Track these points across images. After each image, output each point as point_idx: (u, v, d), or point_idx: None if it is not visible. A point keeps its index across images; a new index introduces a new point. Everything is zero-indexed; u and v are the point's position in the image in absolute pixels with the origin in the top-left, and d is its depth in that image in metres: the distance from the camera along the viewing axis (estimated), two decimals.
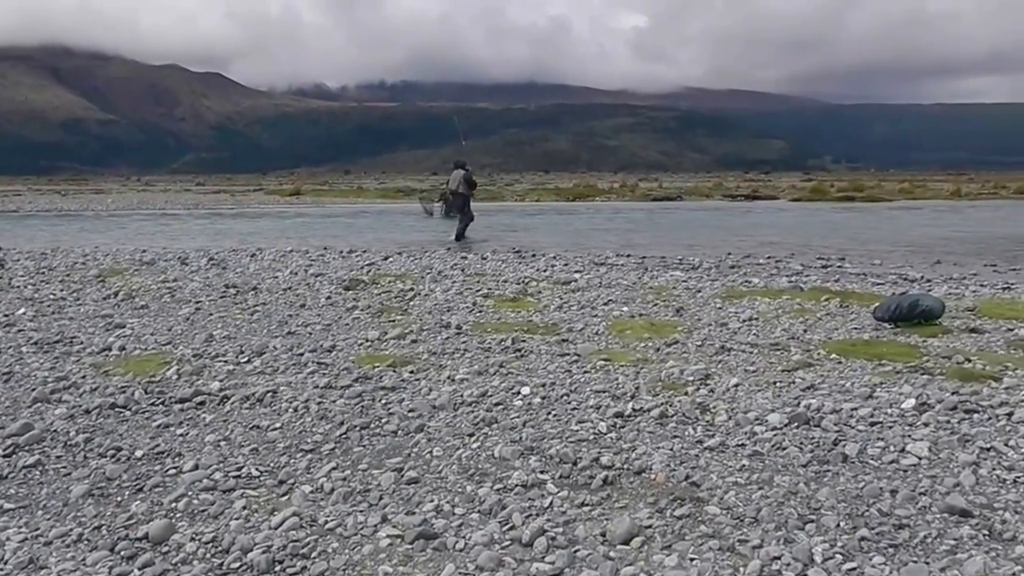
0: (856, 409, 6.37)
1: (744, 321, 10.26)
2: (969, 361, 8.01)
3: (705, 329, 9.84)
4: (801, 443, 5.73)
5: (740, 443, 5.78)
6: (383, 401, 6.88)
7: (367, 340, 9.30)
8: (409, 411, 6.60)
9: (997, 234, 27.14)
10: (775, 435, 5.90)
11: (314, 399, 6.89)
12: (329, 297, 12.28)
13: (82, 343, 9.25)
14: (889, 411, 6.34)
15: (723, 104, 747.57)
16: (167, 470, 5.48)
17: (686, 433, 6.05)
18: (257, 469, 5.44)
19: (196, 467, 5.47)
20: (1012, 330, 9.58)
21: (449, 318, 10.51)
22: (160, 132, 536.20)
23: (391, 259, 17.43)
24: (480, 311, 11.21)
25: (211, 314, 11.00)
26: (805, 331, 9.69)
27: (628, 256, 18.48)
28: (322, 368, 7.99)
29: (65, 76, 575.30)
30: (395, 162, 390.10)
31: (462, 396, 6.96)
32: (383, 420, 6.40)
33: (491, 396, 6.96)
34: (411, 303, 11.84)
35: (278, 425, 6.31)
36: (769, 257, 18.25)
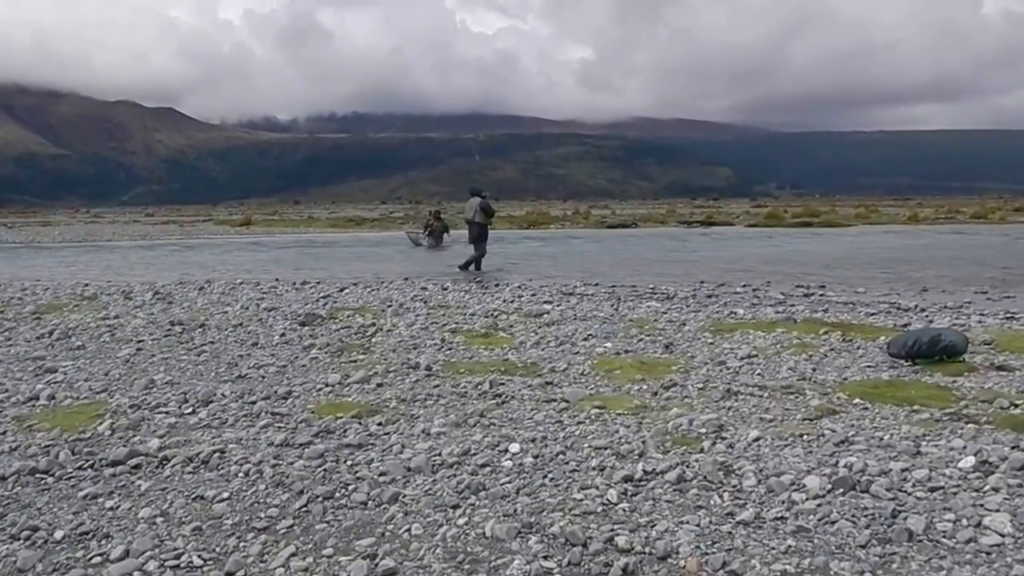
0: (907, 470, 5.44)
1: (743, 359, 9.31)
2: (1015, 406, 7.11)
3: (703, 368, 8.88)
4: (853, 515, 4.80)
5: (779, 515, 4.84)
6: (349, 462, 5.85)
7: (327, 385, 8.25)
8: (380, 475, 5.58)
9: (967, 258, 26.38)
10: (819, 505, 4.97)
11: (268, 461, 5.84)
12: (283, 334, 11.21)
13: (7, 391, 8.19)
14: (947, 472, 5.40)
15: (670, 133, 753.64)
16: (91, 557, 4.48)
17: (712, 503, 5.09)
18: (200, 556, 4.43)
19: (126, 553, 4.46)
20: None
21: (417, 357, 9.47)
22: (111, 166, 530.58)
23: (347, 291, 16.25)
24: (450, 348, 10.19)
25: (153, 355, 9.91)
26: (814, 370, 8.77)
27: (596, 285, 17.47)
28: (277, 421, 6.95)
29: (19, 113, 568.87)
30: (345, 192, 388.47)
31: (441, 455, 5.94)
32: (350, 487, 5.37)
33: (475, 455, 5.94)
34: (373, 340, 10.78)
35: (226, 495, 5.27)
36: (745, 285, 17.30)
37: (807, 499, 5.04)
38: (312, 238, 46.47)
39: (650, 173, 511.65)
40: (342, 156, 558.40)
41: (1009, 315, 12.59)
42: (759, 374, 8.61)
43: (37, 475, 5.73)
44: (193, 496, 5.29)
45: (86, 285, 17.98)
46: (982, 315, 12.69)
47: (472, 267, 22.77)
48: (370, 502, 5.16)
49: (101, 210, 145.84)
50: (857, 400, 7.44)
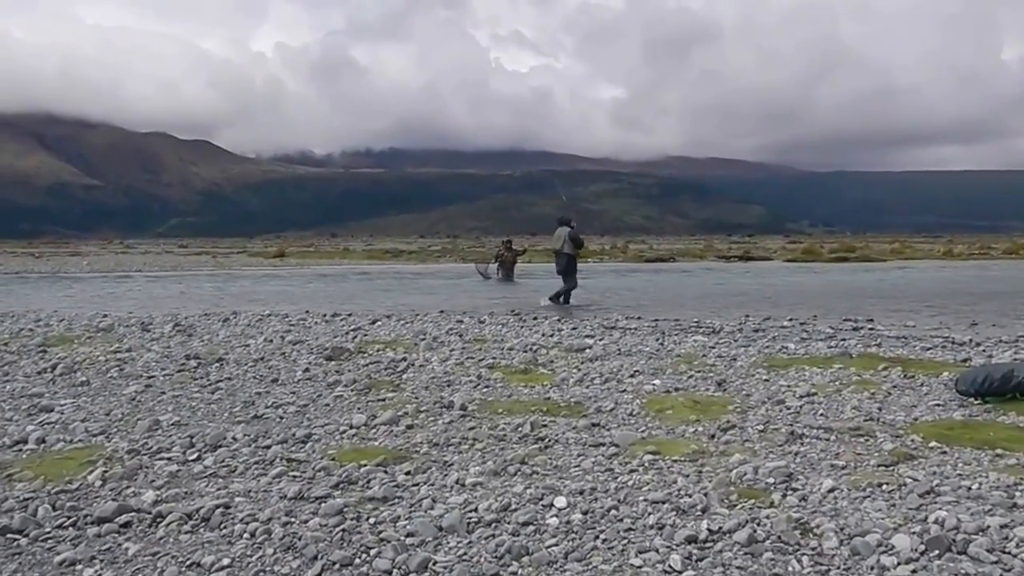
0: (1007, 527, 4.69)
1: (803, 397, 8.58)
2: None
3: (761, 408, 8.13)
4: None
5: None
6: (372, 520, 5.10)
7: (351, 427, 7.51)
8: (407, 536, 4.84)
9: (1010, 292, 25.73)
10: (914, 572, 4.26)
11: (279, 518, 5.11)
12: (307, 369, 10.49)
13: None
14: None
15: (702, 171, 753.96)
16: None
17: (790, 569, 4.37)
18: None
19: None
20: None
21: (451, 396, 8.75)
22: (146, 197, 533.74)
23: (380, 323, 15.59)
24: (487, 386, 9.47)
25: (163, 393, 9.20)
26: (880, 409, 8.03)
27: (639, 319, 16.75)
28: (292, 468, 6.21)
29: (50, 142, 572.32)
30: (383, 226, 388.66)
31: (477, 511, 5.21)
32: (372, 552, 4.63)
33: (516, 511, 5.20)
34: (404, 376, 10.06)
35: (226, 561, 4.54)
36: (792, 319, 16.56)
37: (899, 563, 4.34)
38: (368, 270, 45.91)
39: (685, 210, 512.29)
40: (379, 191, 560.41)
41: None
42: (822, 414, 7.87)
43: (9, 535, 5.02)
44: (188, 563, 4.57)
45: (104, 316, 17.29)
46: None
47: (562, 299, 21.75)
48: (395, 571, 4.43)
49: (135, 241, 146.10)
50: (933, 443, 6.71)
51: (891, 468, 6.03)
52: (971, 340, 12.95)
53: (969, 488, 5.46)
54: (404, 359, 11.10)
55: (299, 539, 4.78)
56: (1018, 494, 5.33)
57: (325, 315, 17.18)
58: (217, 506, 5.26)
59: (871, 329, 14.92)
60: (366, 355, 11.52)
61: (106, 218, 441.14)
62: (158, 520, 5.15)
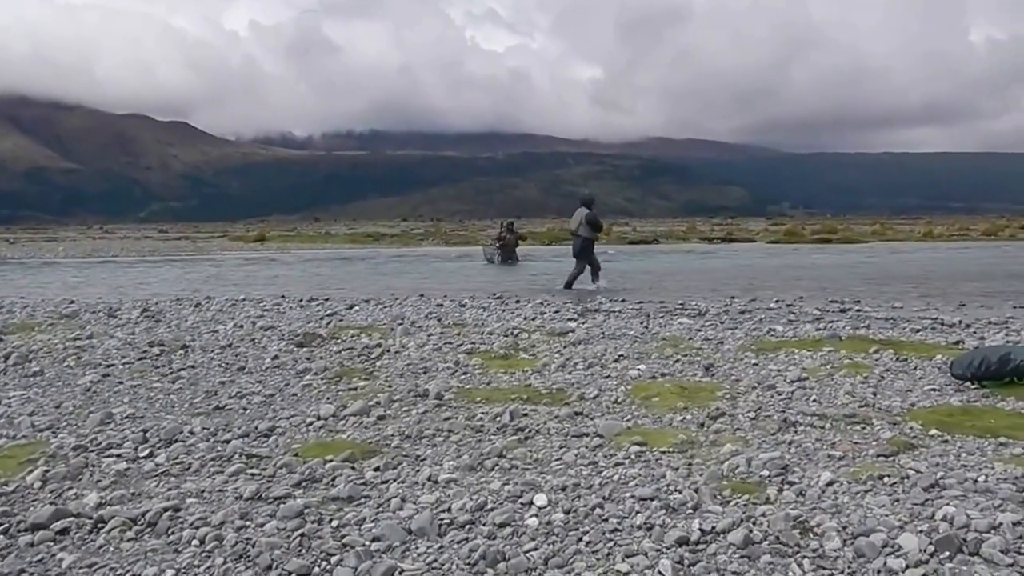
0: (1020, 524, 4.34)
1: (794, 382, 8.22)
2: None
3: (751, 394, 7.77)
4: None
5: None
6: (334, 523, 4.68)
7: (319, 418, 7.07)
8: (373, 540, 4.43)
9: (993, 272, 25.61)
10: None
11: (232, 522, 4.67)
12: (276, 356, 10.03)
13: None
14: None
15: (683, 153, 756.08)
16: None
17: (791, 574, 3.99)
18: None
19: None
20: None
21: (426, 383, 8.33)
22: (125, 181, 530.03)
23: (357, 308, 15.15)
24: (465, 373, 9.05)
25: (120, 383, 8.70)
26: (875, 394, 7.70)
27: (623, 301, 16.36)
28: (251, 465, 5.77)
29: (25, 125, 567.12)
30: (365, 210, 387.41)
31: (450, 511, 4.80)
32: (333, 559, 4.22)
33: (492, 510, 4.79)
34: (378, 363, 9.64)
35: (170, 573, 4.11)
36: (778, 300, 16.21)
37: (907, 566, 3.97)
38: (349, 254, 45.41)
39: (667, 192, 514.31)
40: (361, 174, 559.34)
41: None
42: (815, 400, 7.52)
43: None
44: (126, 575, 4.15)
45: (72, 302, 16.76)
46: None
47: (572, 283, 20.90)
48: None
49: (115, 227, 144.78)
50: (934, 431, 6.37)
51: (891, 459, 5.68)
52: (960, 321, 12.67)
53: (975, 481, 5.12)
54: (379, 345, 10.67)
55: (253, 546, 4.36)
56: None
57: (301, 300, 16.72)
58: (166, 509, 4.82)
59: (858, 311, 14.61)
60: (339, 341, 11.08)
61: (86, 203, 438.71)
62: (99, 526, 4.70)
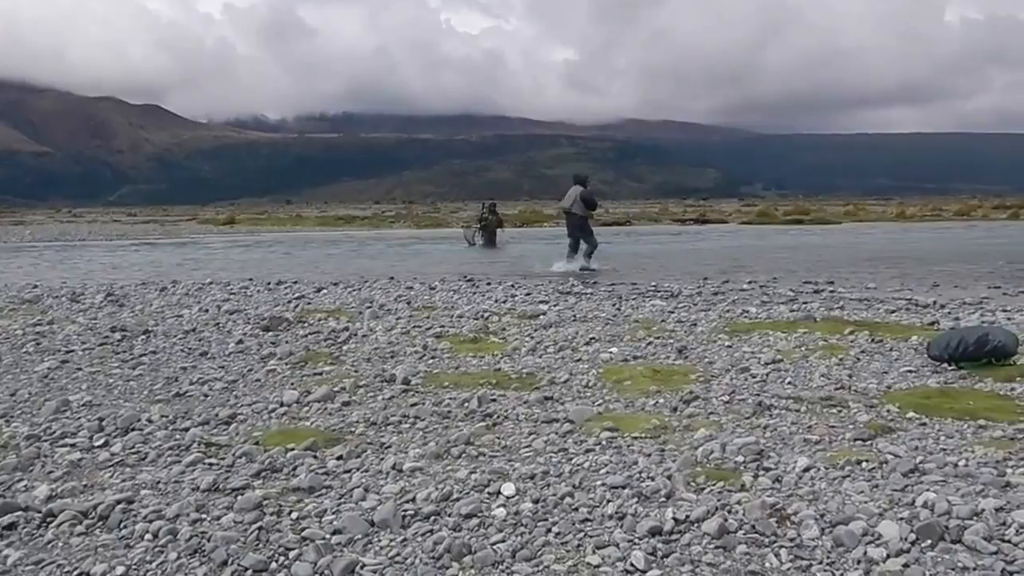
0: (1003, 510, 4.22)
1: (769, 364, 8.08)
2: None
3: (725, 377, 7.63)
4: None
5: None
6: (294, 515, 4.49)
7: (282, 404, 6.87)
8: (333, 533, 4.25)
9: (966, 253, 25.56)
10: (906, 566, 3.74)
11: (188, 515, 4.47)
12: (241, 341, 9.81)
13: None
14: None
15: (657, 135, 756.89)
16: None
17: (767, 565, 3.85)
18: None
19: None
20: None
21: (393, 368, 8.14)
22: (97, 164, 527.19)
23: (325, 291, 14.95)
24: (433, 357, 8.86)
25: (79, 369, 8.44)
26: (851, 376, 7.55)
27: (595, 283, 16.24)
28: (210, 454, 5.57)
29: None
30: (338, 192, 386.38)
31: (414, 501, 4.62)
32: (291, 554, 4.03)
33: (458, 500, 4.61)
34: (345, 347, 9.43)
35: (120, 570, 3.91)
36: (751, 282, 16.13)
37: (888, 556, 3.83)
38: (317, 236, 45.05)
39: (640, 174, 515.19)
40: (334, 157, 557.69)
41: None
42: (790, 383, 7.38)
43: None
44: (75, 574, 3.93)
45: (35, 286, 16.48)
46: (1005, 311, 11.63)
47: (560, 263, 20.64)
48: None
49: (86, 210, 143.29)
50: (911, 414, 6.22)
51: (869, 443, 5.54)
52: (934, 302, 12.59)
53: (956, 465, 4.98)
54: (346, 329, 10.47)
55: (208, 540, 4.16)
56: (1009, 471, 4.86)
57: (269, 283, 16.50)
58: (119, 501, 4.61)
59: (832, 291, 14.58)
60: (306, 325, 10.88)
61: (56, 186, 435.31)
62: (48, 520, 4.49)
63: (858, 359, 8.32)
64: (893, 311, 11.69)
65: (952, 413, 6.21)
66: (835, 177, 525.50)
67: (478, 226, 33.07)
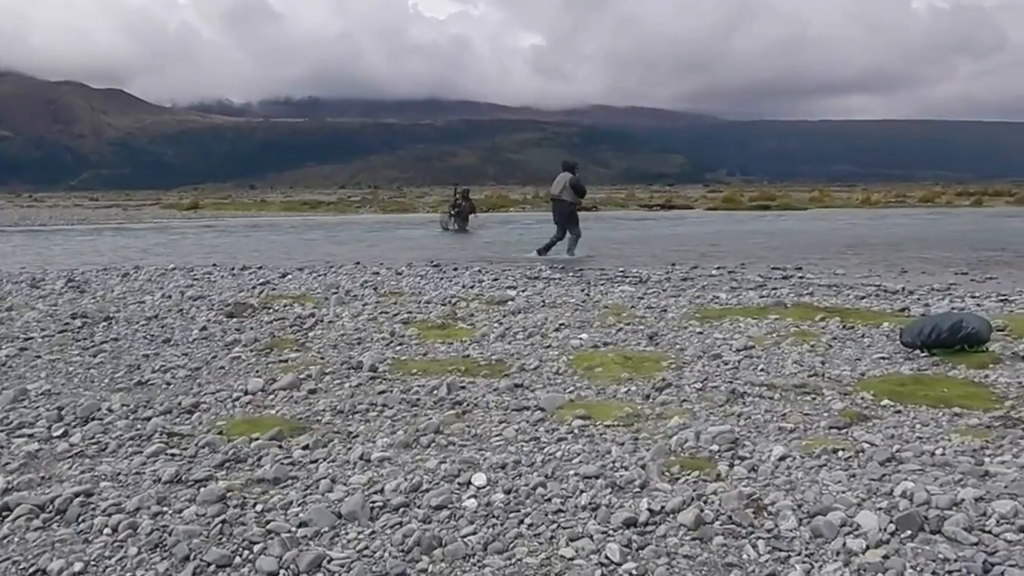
0: (983, 500, 4.13)
1: (741, 351, 7.99)
2: None
3: (697, 364, 7.53)
4: (935, 574, 3.52)
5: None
6: (259, 507, 4.35)
7: (246, 392, 6.72)
8: (299, 526, 4.12)
9: (932, 239, 25.57)
10: (886, 557, 3.65)
11: (148, 507, 4.33)
12: (204, 328, 9.62)
13: None
14: None
15: (623, 120, 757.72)
16: None
17: (745, 557, 3.77)
18: None
19: None
20: None
21: (360, 355, 7.99)
22: (58, 149, 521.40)
23: (290, 276, 14.75)
24: (400, 344, 8.72)
25: (38, 357, 8.24)
26: (823, 363, 7.48)
27: (563, 268, 16.14)
28: (172, 444, 5.41)
29: None
30: (303, 178, 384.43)
31: (383, 492, 4.50)
32: (256, 548, 3.90)
33: (428, 491, 4.49)
34: (311, 334, 9.27)
35: (79, 567, 3.76)
36: (720, 267, 16.09)
37: (867, 547, 3.74)
38: (283, 222, 44.65)
39: (606, 160, 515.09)
40: (299, 141, 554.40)
41: (1003, 297, 11.53)
42: (763, 370, 7.30)
43: None
44: (31, 570, 3.78)
45: None
46: (974, 297, 11.65)
47: (547, 251, 20.33)
48: (282, 572, 3.71)
49: (45, 194, 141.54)
50: (886, 401, 6.16)
51: (844, 431, 5.46)
52: (903, 288, 12.59)
53: (933, 454, 4.92)
54: (312, 315, 10.30)
55: (170, 534, 4.03)
56: (987, 459, 4.81)
57: (233, 268, 16.27)
58: (77, 494, 4.46)
59: (801, 277, 14.53)
60: (271, 311, 10.70)
61: (17, 171, 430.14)
62: (4, 514, 4.33)
63: (830, 346, 8.25)
64: (862, 297, 11.65)
65: (927, 401, 6.15)
66: (800, 164, 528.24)
67: (452, 212, 32.93)
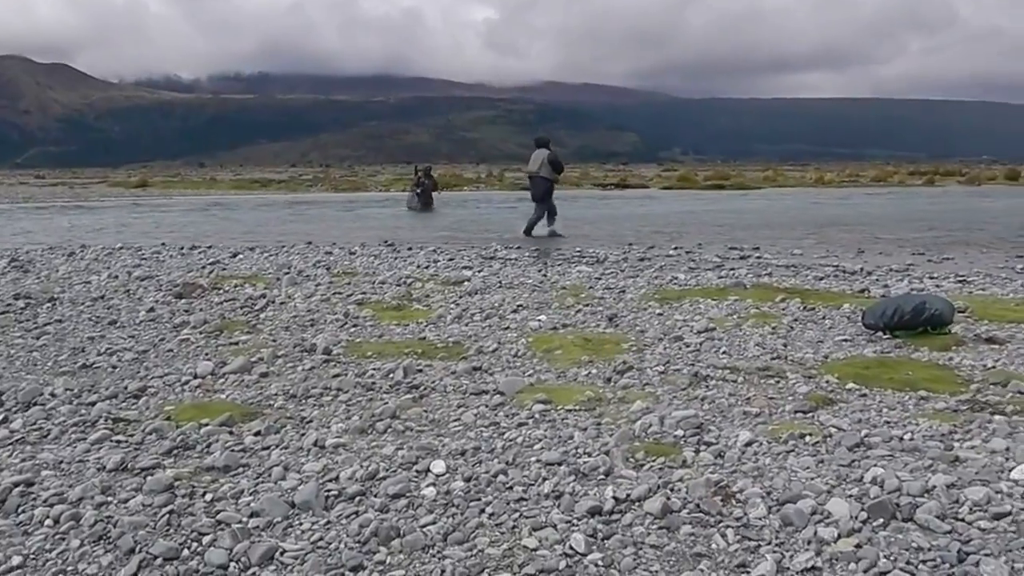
0: (955, 486, 4.04)
1: (702, 333, 7.89)
2: None
3: (658, 346, 7.42)
4: (908, 563, 3.42)
5: (809, 566, 3.43)
6: (208, 496, 4.18)
7: (195, 376, 6.51)
8: (251, 516, 3.95)
9: (888, 218, 25.65)
10: (858, 546, 3.55)
11: (92, 498, 4.14)
12: (152, 309, 9.37)
13: None
14: (1003, 488, 4.04)
15: (577, 98, 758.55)
16: None
17: (714, 547, 3.65)
18: None
19: None
20: None
21: (313, 337, 7.80)
22: (2, 125, 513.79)
23: (241, 256, 14.49)
24: (355, 325, 8.54)
25: None
26: (786, 345, 7.42)
27: (519, 248, 15.97)
28: (117, 431, 5.20)
29: None
30: (253, 155, 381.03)
31: (338, 480, 4.35)
32: (205, 540, 3.73)
33: (384, 479, 4.34)
34: (262, 315, 9.06)
35: (17, 560, 3.58)
36: (677, 247, 15.98)
37: (839, 535, 3.63)
38: (230, 200, 44.11)
39: (559, 138, 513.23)
40: (249, 118, 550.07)
41: (961, 278, 11.54)
42: (725, 352, 7.21)
43: None
44: None
45: None
46: (932, 277, 11.65)
47: (531, 229, 19.91)
48: (232, 565, 3.54)
49: None
50: (851, 384, 6.08)
51: (810, 415, 5.37)
52: (862, 269, 12.58)
53: (901, 439, 4.83)
54: (263, 296, 10.07)
55: (115, 525, 3.84)
56: (956, 445, 4.72)
57: (183, 248, 15.96)
58: (17, 484, 4.26)
59: (758, 258, 14.47)
60: (221, 291, 10.45)
61: None
62: None
63: (792, 327, 8.18)
64: (821, 278, 11.61)
65: (892, 384, 6.08)
66: (753, 142, 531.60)
67: (416, 191, 32.53)
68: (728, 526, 3.78)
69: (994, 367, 6.56)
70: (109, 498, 4.16)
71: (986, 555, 3.42)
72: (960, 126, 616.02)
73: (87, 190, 60.58)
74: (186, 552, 3.64)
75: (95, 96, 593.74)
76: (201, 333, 8.16)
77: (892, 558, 3.44)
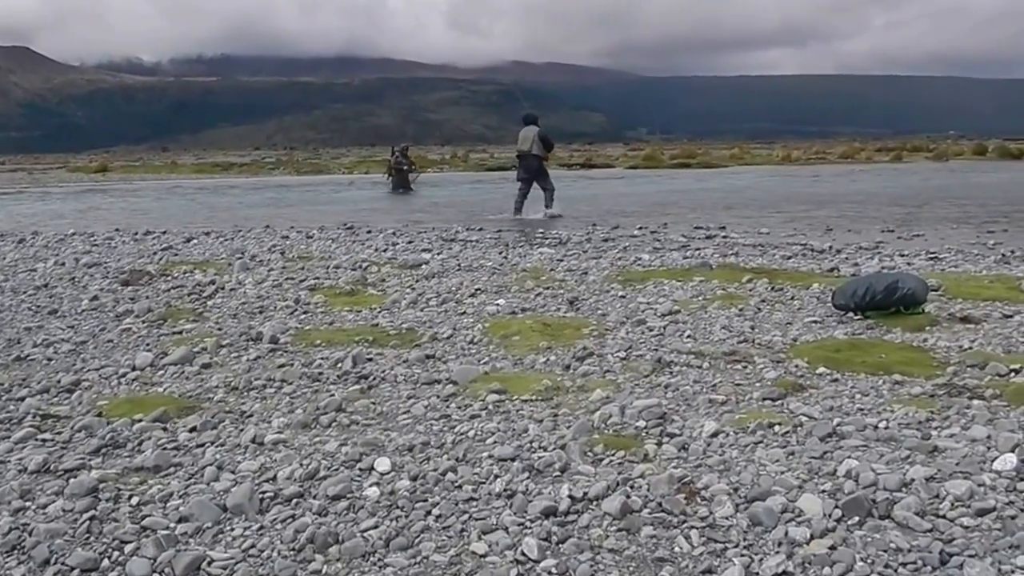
0: (935, 480, 3.80)
1: (666, 316, 7.65)
2: (1015, 372, 5.57)
3: (620, 330, 7.16)
4: (887, 566, 3.18)
5: (780, 571, 3.19)
6: (135, 500, 3.88)
7: (134, 368, 6.21)
8: (179, 521, 3.66)
9: (855, 196, 25.38)
10: (833, 548, 3.31)
11: (8, 503, 3.84)
12: (96, 297, 9.01)
13: None
14: (986, 480, 3.79)
15: (542, 78, 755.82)
16: None
17: (677, 550, 3.40)
18: None
19: None
20: (1010, 317, 7.31)
21: (261, 325, 7.51)
22: None
23: (195, 241, 14.12)
24: (305, 312, 8.24)
25: None
26: (753, 328, 7.17)
27: (481, 230, 15.69)
28: (44, 428, 4.90)
29: None
30: (217, 139, 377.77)
31: (275, 481, 4.07)
32: (127, 549, 3.44)
33: (325, 479, 4.06)
34: (210, 302, 8.73)
35: None
36: (641, 228, 15.74)
37: (812, 536, 3.39)
38: (190, 184, 43.56)
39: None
40: (212, 101, 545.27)
41: (932, 255, 11.34)
42: (689, 336, 6.94)
43: None
44: None
45: None
46: (903, 255, 11.42)
47: (520, 211, 19.60)
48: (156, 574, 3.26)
49: None
50: (822, 369, 5.84)
51: (779, 402, 5.12)
52: (830, 247, 12.36)
53: (876, 427, 4.58)
54: (212, 282, 9.73)
55: (30, 534, 3.54)
56: (934, 433, 4.48)
57: (136, 233, 15.56)
58: None
59: (725, 237, 14.25)
60: (170, 278, 10.11)
61: None
62: None
63: (759, 309, 7.94)
64: (789, 257, 11.39)
65: (865, 368, 5.85)
66: (719, 121, 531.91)
67: (393, 173, 32.02)
68: (692, 527, 3.54)
69: (971, 348, 6.33)
70: (27, 503, 3.87)
71: (970, 556, 3.19)
72: (926, 102, 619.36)
73: (46, 176, 59.81)
74: (106, 562, 3.36)
75: (57, 80, 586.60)
76: (144, 322, 7.83)
77: (869, 560, 3.20)
